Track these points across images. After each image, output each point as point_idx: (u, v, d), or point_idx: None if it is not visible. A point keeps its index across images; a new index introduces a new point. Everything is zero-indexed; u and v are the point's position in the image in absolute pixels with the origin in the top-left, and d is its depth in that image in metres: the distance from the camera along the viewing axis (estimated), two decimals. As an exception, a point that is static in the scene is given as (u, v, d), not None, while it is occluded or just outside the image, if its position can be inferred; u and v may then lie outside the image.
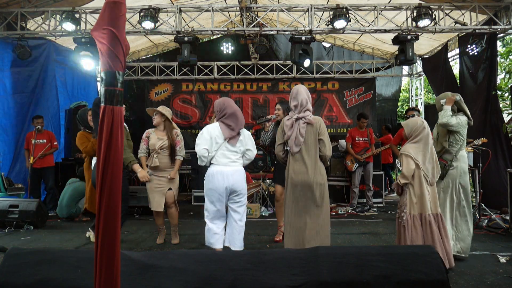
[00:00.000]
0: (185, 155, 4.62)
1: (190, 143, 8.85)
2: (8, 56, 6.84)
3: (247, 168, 4.58)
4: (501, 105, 6.76)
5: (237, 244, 3.65)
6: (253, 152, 3.73)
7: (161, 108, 4.54)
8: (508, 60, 7.94)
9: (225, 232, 3.71)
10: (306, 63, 6.58)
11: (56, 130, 7.49)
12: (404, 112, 6.38)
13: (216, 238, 3.62)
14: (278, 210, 4.69)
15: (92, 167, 4.17)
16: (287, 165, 3.54)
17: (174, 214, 4.49)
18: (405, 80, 12.10)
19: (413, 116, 5.85)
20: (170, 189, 4.42)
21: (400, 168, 3.54)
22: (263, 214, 6.52)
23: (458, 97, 4.05)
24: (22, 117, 7.17)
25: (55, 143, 6.58)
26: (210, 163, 3.61)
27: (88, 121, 4.59)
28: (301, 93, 3.53)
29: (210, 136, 3.55)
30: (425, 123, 3.58)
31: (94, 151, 4.49)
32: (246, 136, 3.69)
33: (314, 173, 3.41)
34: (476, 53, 6.66)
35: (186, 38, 6.38)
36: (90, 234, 4.64)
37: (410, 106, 9.85)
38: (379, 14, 6.44)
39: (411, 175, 3.39)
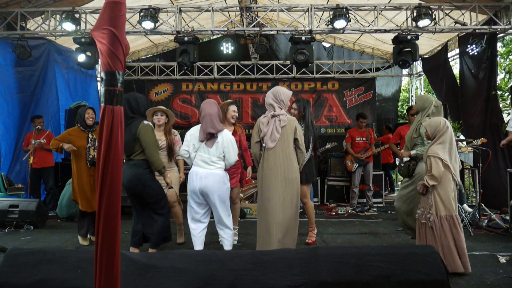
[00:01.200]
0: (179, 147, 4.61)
1: (190, 143, 8.86)
2: (11, 56, 6.84)
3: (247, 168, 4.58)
4: (501, 105, 6.76)
5: (226, 245, 3.74)
6: (231, 157, 3.62)
7: (163, 108, 4.57)
8: (508, 60, 7.93)
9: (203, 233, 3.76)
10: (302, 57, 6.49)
11: (56, 130, 7.48)
12: (406, 111, 6.35)
13: (195, 240, 3.68)
14: (308, 211, 4.60)
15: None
16: (261, 162, 3.69)
17: (178, 212, 4.49)
18: (405, 80, 12.09)
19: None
20: (171, 187, 4.42)
21: (428, 170, 3.44)
22: (263, 214, 6.51)
23: (434, 104, 4.07)
24: (23, 117, 7.17)
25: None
26: (192, 164, 3.69)
27: (85, 118, 4.57)
28: (280, 93, 3.71)
29: (190, 136, 3.67)
30: (447, 123, 3.53)
31: (57, 148, 4.50)
32: (225, 140, 3.60)
33: (289, 168, 3.57)
34: (476, 53, 6.66)
35: (186, 38, 6.38)
36: (91, 236, 4.63)
37: (410, 106, 9.84)
38: (379, 14, 6.43)
39: (440, 177, 3.35)
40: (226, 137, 3.62)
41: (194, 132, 3.68)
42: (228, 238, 3.73)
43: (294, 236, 3.67)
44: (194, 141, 3.63)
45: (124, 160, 3.68)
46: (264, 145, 3.64)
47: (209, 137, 3.57)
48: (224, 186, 3.61)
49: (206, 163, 3.58)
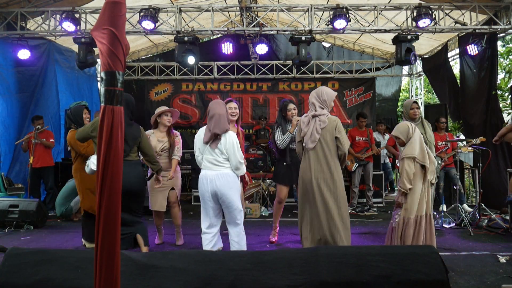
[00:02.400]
0: (181, 155, 4.59)
1: (190, 143, 8.86)
2: (11, 55, 6.84)
3: (247, 168, 4.55)
4: (501, 105, 6.76)
5: (235, 247, 3.64)
6: (232, 160, 3.50)
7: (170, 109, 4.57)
8: (508, 60, 7.93)
9: (216, 236, 3.67)
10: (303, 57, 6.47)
11: (56, 130, 7.49)
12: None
13: (206, 243, 3.60)
14: (277, 211, 4.66)
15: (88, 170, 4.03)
16: (302, 162, 3.69)
17: (177, 213, 4.49)
18: (405, 80, 12.09)
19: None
20: (172, 188, 4.43)
21: (400, 174, 3.51)
22: (263, 214, 6.51)
23: None
24: (23, 117, 7.17)
25: (51, 140, 6.57)
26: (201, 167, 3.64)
27: (83, 119, 4.51)
28: (313, 95, 3.68)
29: (197, 141, 3.64)
30: (409, 123, 3.57)
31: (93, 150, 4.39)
32: (228, 142, 3.49)
33: (328, 170, 3.51)
34: (476, 53, 6.66)
35: (186, 38, 6.38)
36: (85, 243, 4.58)
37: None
38: (379, 14, 6.43)
39: (411, 177, 3.36)
40: (230, 139, 3.50)
41: (200, 135, 3.64)
42: (240, 241, 3.61)
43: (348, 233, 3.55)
44: (199, 144, 3.59)
45: None
46: (304, 144, 3.65)
47: (214, 138, 3.49)
48: (235, 185, 3.53)
49: (213, 164, 3.51)
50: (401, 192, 3.41)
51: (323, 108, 3.61)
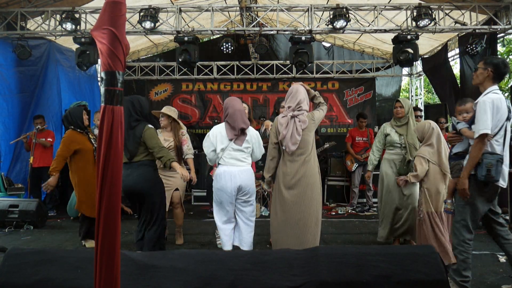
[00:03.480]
0: (193, 153, 4.57)
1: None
2: (11, 55, 6.84)
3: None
4: (501, 105, 6.76)
5: (246, 244, 3.64)
6: (257, 152, 3.65)
7: (166, 110, 4.51)
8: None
9: (234, 232, 3.71)
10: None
11: (57, 130, 7.49)
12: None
13: (226, 240, 3.62)
14: None
15: None
16: (280, 166, 3.45)
17: (180, 214, 4.50)
18: (405, 80, 12.10)
19: (420, 116, 5.94)
20: (177, 189, 4.42)
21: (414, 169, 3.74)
22: (263, 214, 6.52)
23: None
24: (24, 116, 7.17)
25: (49, 139, 6.56)
26: (218, 163, 3.60)
27: (83, 120, 4.47)
28: (300, 92, 3.52)
29: (215, 138, 3.56)
30: (433, 123, 3.74)
31: (87, 161, 4.27)
32: (253, 136, 3.61)
33: (310, 173, 3.36)
34: (476, 53, 6.66)
35: (186, 38, 6.38)
36: (86, 243, 4.59)
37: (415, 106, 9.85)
38: (379, 14, 6.43)
39: (423, 176, 3.62)
40: (253, 133, 3.62)
41: (218, 132, 3.57)
42: (248, 237, 3.65)
43: (315, 236, 3.46)
44: (223, 140, 3.54)
45: (124, 162, 3.64)
46: (283, 147, 3.41)
47: (240, 133, 3.52)
48: (254, 182, 3.65)
49: (238, 160, 3.52)
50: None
51: (303, 107, 3.44)
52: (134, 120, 3.64)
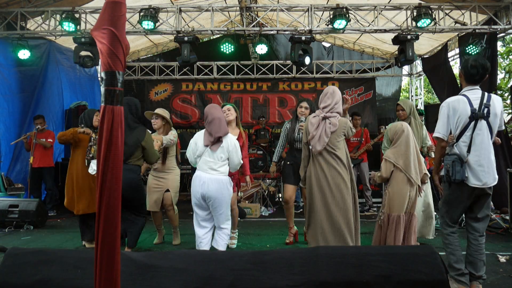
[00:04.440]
0: (169, 139, 4.44)
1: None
2: (12, 55, 6.84)
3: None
4: (501, 105, 6.76)
5: (220, 244, 3.68)
6: (234, 161, 3.62)
7: (160, 111, 4.49)
8: (508, 60, 7.94)
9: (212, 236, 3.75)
10: (307, 60, 6.46)
11: (57, 130, 7.50)
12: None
13: (199, 242, 3.65)
14: (287, 212, 4.56)
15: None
16: (311, 165, 3.50)
17: (172, 216, 4.48)
18: (405, 80, 12.10)
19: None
20: (167, 190, 4.39)
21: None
22: (263, 214, 6.52)
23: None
24: (24, 116, 7.17)
25: (50, 139, 6.56)
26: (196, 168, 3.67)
27: (93, 121, 4.49)
28: (336, 94, 3.51)
29: (195, 143, 3.63)
30: (405, 125, 3.64)
31: (66, 141, 4.38)
32: (230, 144, 3.58)
33: (337, 173, 3.38)
34: (476, 53, 6.66)
35: (186, 38, 6.37)
36: (85, 243, 4.57)
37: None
38: (379, 14, 6.43)
39: (387, 177, 3.55)
40: (231, 141, 3.60)
41: (198, 138, 3.64)
42: (221, 239, 3.68)
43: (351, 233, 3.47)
44: (200, 146, 3.59)
45: None
46: (310, 147, 3.46)
47: (216, 141, 3.53)
48: (226, 191, 3.57)
49: (210, 168, 3.53)
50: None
51: (336, 109, 3.47)
52: (133, 121, 3.67)
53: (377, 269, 2.42)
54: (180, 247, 4.49)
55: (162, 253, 2.99)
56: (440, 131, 2.96)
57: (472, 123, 2.87)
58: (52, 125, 7.45)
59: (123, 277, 1.74)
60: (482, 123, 2.88)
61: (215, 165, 3.53)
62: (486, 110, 2.86)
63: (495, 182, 2.93)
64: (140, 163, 3.82)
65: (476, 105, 2.88)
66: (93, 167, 3.87)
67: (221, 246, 3.68)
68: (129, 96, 3.96)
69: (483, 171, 2.87)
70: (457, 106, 2.90)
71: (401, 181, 3.49)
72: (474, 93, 2.93)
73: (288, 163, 4.41)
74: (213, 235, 3.75)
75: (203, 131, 3.68)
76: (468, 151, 2.88)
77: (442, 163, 3.14)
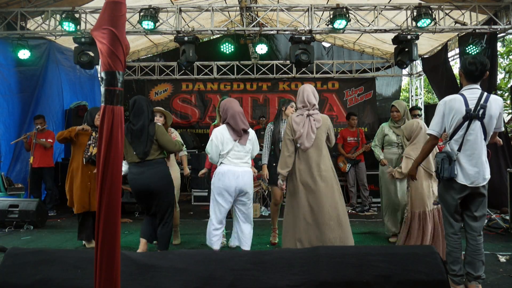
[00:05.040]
0: (186, 149, 4.63)
1: (190, 143, 8.84)
2: (12, 55, 6.84)
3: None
4: (501, 105, 6.76)
5: (247, 244, 3.69)
6: (255, 151, 3.80)
7: (161, 109, 4.54)
8: (508, 60, 7.93)
9: (225, 232, 3.79)
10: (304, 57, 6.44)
11: (57, 130, 7.49)
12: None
13: (216, 239, 3.64)
14: (275, 214, 4.68)
15: None
16: (296, 162, 3.56)
17: (174, 214, 4.48)
18: (405, 80, 12.10)
19: (419, 115, 5.98)
20: None
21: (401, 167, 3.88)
22: (263, 214, 6.52)
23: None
24: (24, 116, 7.17)
25: (50, 140, 6.56)
26: (221, 163, 3.63)
27: (94, 119, 4.48)
28: (309, 92, 3.65)
29: (220, 142, 3.60)
30: (421, 123, 3.84)
31: (65, 138, 4.37)
32: (253, 136, 3.74)
33: (325, 169, 3.48)
34: (476, 53, 6.66)
35: (186, 38, 6.38)
36: (85, 243, 4.57)
37: (410, 105, 9.85)
38: (379, 14, 6.43)
39: (407, 173, 3.64)
40: (253, 133, 3.76)
41: (220, 134, 3.61)
42: (249, 237, 3.71)
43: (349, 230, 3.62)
44: (227, 141, 3.58)
45: (134, 162, 3.65)
46: (298, 145, 3.54)
47: (243, 133, 3.60)
48: (253, 183, 3.72)
49: (241, 161, 3.61)
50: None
51: (316, 106, 3.63)
52: (149, 120, 3.70)
53: (377, 269, 2.42)
54: (180, 247, 4.48)
55: (162, 253, 2.99)
56: (434, 128, 2.99)
57: (466, 123, 2.88)
58: (52, 125, 7.45)
59: (123, 277, 1.74)
60: (476, 124, 2.88)
61: (245, 157, 3.64)
62: (481, 111, 2.86)
63: (485, 183, 2.92)
64: (162, 156, 3.77)
65: (472, 105, 2.88)
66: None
67: (247, 245, 3.67)
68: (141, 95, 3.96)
69: (472, 170, 2.88)
70: (453, 105, 2.91)
71: (423, 177, 3.65)
72: (473, 93, 2.92)
73: (274, 164, 4.38)
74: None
75: (221, 127, 3.67)
76: (459, 150, 2.90)
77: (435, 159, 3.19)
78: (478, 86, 2.97)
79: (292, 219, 3.57)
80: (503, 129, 3.12)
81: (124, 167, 3.69)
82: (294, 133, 3.53)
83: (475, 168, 2.88)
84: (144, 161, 3.62)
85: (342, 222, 3.45)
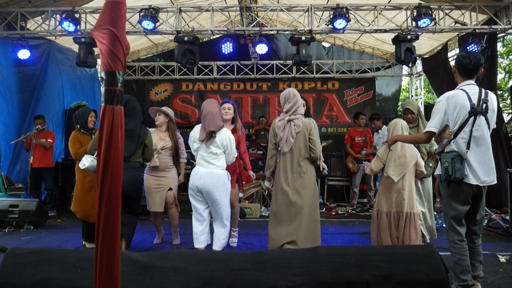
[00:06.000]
0: (186, 156, 4.70)
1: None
2: (11, 55, 6.84)
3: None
4: (501, 105, 6.76)
5: (218, 246, 3.71)
6: (229, 156, 3.73)
7: (165, 108, 4.56)
8: (508, 60, 7.92)
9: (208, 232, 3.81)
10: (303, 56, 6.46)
11: (57, 130, 7.49)
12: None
13: (196, 237, 3.71)
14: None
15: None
16: (277, 165, 3.70)
17: (174, 214, 4.48)
18: (405, 80, 12.09)
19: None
20: (170, 189, 4.41)
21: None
22: (263, 214, 6.52)
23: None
24: (24, 116, 7.17)
25: (49, 140, 6.55)
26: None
27: (88, 122, 4.46)
28: (293, 96, 3.68)
29: (193, 137, 3.73)
30: (399, 121, 3.84)
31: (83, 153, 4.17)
32: (225, 139, 3.65)
33: (302, 172, 3.58)
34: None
35: (186, 38, 6.38)
36: (86, 243, 4.56)
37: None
38: (379, 14, 6.43)
39: (376, 172, 3.84)
40: (225, 135, 3.67)
41: (195, 131, 3.74)
42: (220, 239, 3.72)
43: (319, 233, 3.68)
44: (197, 141, 3.69)
45: None
46: (279, 148, 3.66)
47: (209, 136, 3.61)
48: (223, 185, 3.64)
49: (206, 162, 3.64)
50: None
51: (299, 111, 3.66)
52: (141, 121, 3.75)
53: (377, 269, 2.42)
54: (180, 247, 4.48)
55: (162, 253, 2.99)
56: (435, 126, 2.84)
57: (471, 118, 2.77)
58: (52, 125, 7.44)
59: (123, 277, 1.74)
60: (481, 119, 2.78)
61: (210, 159, 3.63)
62: (484, 105, 2.78)
63: (495, 181, 2.82)
64: (140, 160, 3.85)
65: (475, 100, 2.78)
66: (83, 161, 3.70)
67: (217, 246, 3.70)
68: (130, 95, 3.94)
69: (482, 168, 2.76)
70: (457, 101, 2.80)
71: (388, 177, 3.68)
72: (472, 88, 2.84)
73: None
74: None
75: (198, 125, 3.76)
76: (468, 147, 2.77)
77: (437, 158, 3.10)
78: (473, 82, 2.88)
79: (275, 216, 3.68)
80: (495, 126, 2.98)
81: (86, 160, 3.66)
82: (276, 137, 3.67)
83: (484, 165, 2.77)
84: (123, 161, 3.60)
85: (311, 225, 3.54)
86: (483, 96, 2.80)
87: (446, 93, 2.93)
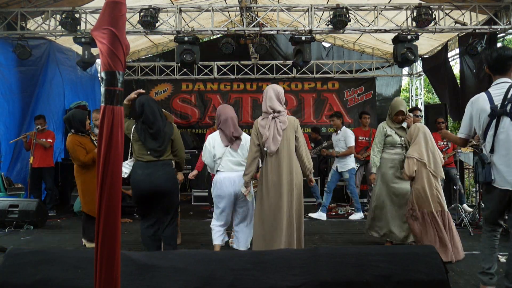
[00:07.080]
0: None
1: (190, 143, 8.84)
2: (12, 55, 6.84)
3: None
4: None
5: (243, 244, 3.73)
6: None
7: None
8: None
9: (230, 231, 3.85)
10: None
11: (58, 129, 7.48)
12: (409, 111, 6.38)
13: (217, 236, 3.72)
14: None
15: None
16: (264, 166, 3.47)
17: None
18: (405, 80, 12.10)
19: (420, 116, 5.98)
20: None
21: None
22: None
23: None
24: (24, 116, 7.17)
25: (49, 140, 6.55)
26: (217, 170, 3.69)
27: (85, 124, 4.43)
28: (272, 98, 3.47)
29: (212, 147, 3.66)
30: (419, 125, 3.94)
31: (94, 163, 4.15)
32: (247, 140, 3.70)
33: (293, 172, 3.39)
34: (476, 53, 6.66)
35: (186, 38, 6.38)
36: (86, 243, 4.56)
37: (410, 106, 9.84)
38: (379, 14, 6.43)
39: (411, 174, 3.80)
40: (247, 138, 3.72)
41: (213, 139, 3.67)
42: (248, 239, 3.74)
43: (301, 236, 3.51)
44: (220, 147, 3.63)
45: (142, 161, 3.54)
46: (265, 148, 3.43)
47: (235, 140, 3.62)
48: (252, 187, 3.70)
49: (236, 165, 3.63)
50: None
51: (282, 108, 3.46)
52: (163, 119, 3.63)
53: (377, 269, 2.42)
54: (180, 247, 4.48)
55: (162, 253, 2.99)
56: (463, 131, 2.85)
57: (494, 121, 2.62)
58: (53, 125, 7.45)
59: (123, 277, 1.74)
60: (506, 121, 2.59)
61: (238, 163, 3.64)
62: (509, 105, 2.57)
63: None
64: (171, 158, 3.69)
65: (498, 101, 2.61)
66: (124, 171, 3.59)
67: (243, 246, 3.72)
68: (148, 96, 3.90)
69: (510, 171, 2.59)
70: (477, 105, 2.72)
71: (425, 178, 3.72)
72: (500, 87, 2.67)
73: None
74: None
75: (215, 133, 3.72)
76: (492, 151, 2.64)
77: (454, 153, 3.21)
78: (508, 79, 2.69)
79: (261, 220, 3.48)
80: None
81: (126, 168, 3.62)
82: (261, 137, 3.41)
83: (511, 169, 2.60)
84: (153, 161, 3.51)
85: (294, 227, 3.35)
86: (509, 95, 2.61)
87: (474, 97, 2.84)
